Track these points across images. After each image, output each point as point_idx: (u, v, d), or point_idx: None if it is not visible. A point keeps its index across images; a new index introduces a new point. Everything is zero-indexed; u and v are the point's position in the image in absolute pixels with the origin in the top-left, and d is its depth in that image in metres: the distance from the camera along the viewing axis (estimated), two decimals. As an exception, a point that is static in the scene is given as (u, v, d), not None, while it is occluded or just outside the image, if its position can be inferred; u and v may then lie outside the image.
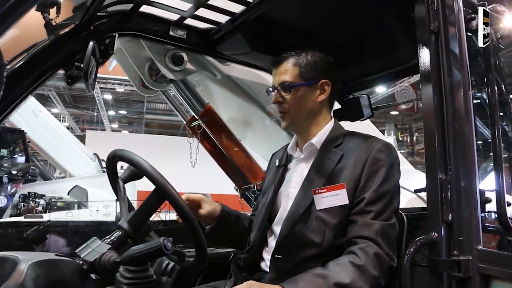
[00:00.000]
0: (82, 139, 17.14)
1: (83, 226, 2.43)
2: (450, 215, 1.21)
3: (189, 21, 2.04)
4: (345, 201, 1.42)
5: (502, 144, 1.40)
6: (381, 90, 14.16)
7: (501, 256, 1.18)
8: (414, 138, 17.35)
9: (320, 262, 1.38)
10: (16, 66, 1.62)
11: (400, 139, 16.64)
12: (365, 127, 2.43)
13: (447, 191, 1.23)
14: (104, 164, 8.83)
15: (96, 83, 1.88)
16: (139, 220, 1.29)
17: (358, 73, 2.14)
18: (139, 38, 2.02)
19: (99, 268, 1.15)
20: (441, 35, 1.32)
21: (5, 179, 9.48)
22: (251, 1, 1.85)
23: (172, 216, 2.25)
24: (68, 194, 10.00)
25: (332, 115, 1.71)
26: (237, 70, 2.45)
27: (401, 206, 1.53)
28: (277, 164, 1.73)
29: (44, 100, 15.20)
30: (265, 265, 1.56)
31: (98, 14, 1.80)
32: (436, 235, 1.23)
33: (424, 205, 1.37)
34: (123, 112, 19.73)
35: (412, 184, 2.20)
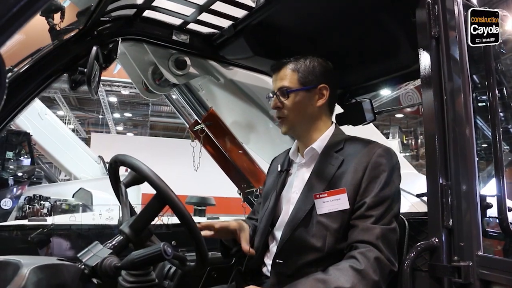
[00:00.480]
0: (87, 141, 17.22)
1: (86, 230, 2.44)
2: (451, 220, 1.21)
3: (192, 26, 2.05)
4: (346, 205, 1.42)
5: (507, 147, 1.40)
6: (385, 93, 14.14)
7: (501, 262, 1.18)
8: (419, 141, 17.27)
9: (321, 267, 1.39)
10: (21, 70, 1.64)
11: (405, 142, 16.57)
12: (368, 131, 2.43)
13: (448, 196, 1.23)
14: (109, 167, 8.82)
15: (101, 86, 1.89)
16: (141, 225, 1.30)
17: (360, 77, 2.15)
18: (143, 42, 2.04)
19: (100, 273, 1.16)
20: (441, 40, 1.32)
21: (10, 181, 9.52)
22: (253, 6, 1.86)
23: (175, 220, 2.26)
24: (73, 197, 10.01)
25: (333, 120, 1.71)
26: (240, 74, 2.45)
27: (404, 210, 1.53)
28: (278, 169, 1.73)
29: (50, 103, 15.28)
30: (267, 269, 1.56)
31: (101, 19, 1.82)
32: (437, 240, 1.23)
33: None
34: (128, 114, 19.80)
35: (415, 188, 2.20)
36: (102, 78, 1.83)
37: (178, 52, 2.15)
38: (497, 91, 1.44)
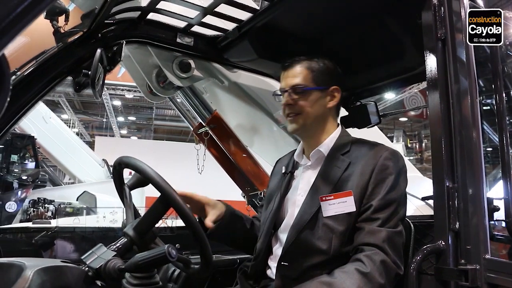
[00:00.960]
0: (91, 145, 17.26)
1: (90, 232, 2.44)
2: (457, 223, 1.20)
3: (196, 28, 2.05)
4: (352, 208, 1.41)
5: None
6: (390, 96, 14.13)
7: (509, 265, 1.16)
8: (423, 144, 17.24)
9: (327, 270, 1.38)
10: (26, 73, 1.64)
11: (409, 145, 16.54)
12: (372, 134, 2.42)
13: (454, 199, 1.22)
14: (112, 170, 8.86)
15: (105, 89, 1.90)
16: (145, 227, 1.29)
17: (365, 80, 2.13)
18: (147, 45, 2.03)
19: (104, 275, 1.16)
20: (448, 42, 1.31)
21: (15, 185, 9.58)
22: (258, 8, 1.85)
23: (179, 222, 2.25)
24: (77, 200, 10.05)
25: (339, 122, 1.70)
26: (244, 77, 2.45)
27: (409, 213, 1.52)
28: (283, 171, 1.72)
29: (54, 106, 15.36)
30: (271, 272, 1.55)
31: (106, 21, 1.82)
32: (443, 243, 1.22)
33: (433, 213, 1.36)
34: (132, 118, 19.86)
35: (420, 191, 2.19)
36: (106, 81, 1.83)
37: (182, 55, 2.14)
38: (504, 94, 1.42)
